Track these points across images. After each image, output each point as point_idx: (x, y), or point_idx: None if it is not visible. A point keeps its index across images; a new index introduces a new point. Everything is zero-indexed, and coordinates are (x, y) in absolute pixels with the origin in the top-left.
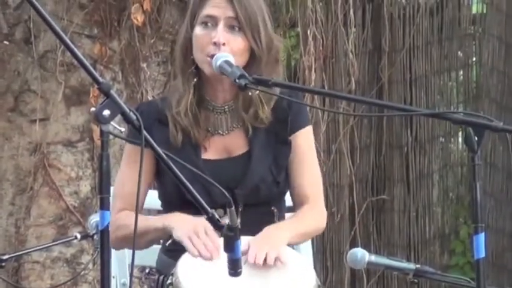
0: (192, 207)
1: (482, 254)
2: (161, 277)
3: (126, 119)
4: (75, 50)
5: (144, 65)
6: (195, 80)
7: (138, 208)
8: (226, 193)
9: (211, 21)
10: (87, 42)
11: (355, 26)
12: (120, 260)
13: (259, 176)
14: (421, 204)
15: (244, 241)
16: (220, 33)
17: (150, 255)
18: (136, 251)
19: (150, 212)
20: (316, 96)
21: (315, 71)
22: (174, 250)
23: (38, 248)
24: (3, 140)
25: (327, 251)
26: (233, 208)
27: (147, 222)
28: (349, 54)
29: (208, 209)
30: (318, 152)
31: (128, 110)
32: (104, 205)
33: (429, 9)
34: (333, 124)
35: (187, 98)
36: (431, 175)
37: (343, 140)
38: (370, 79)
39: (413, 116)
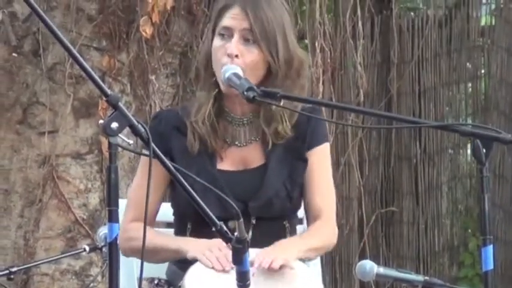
0: (204, 218)
1: (491, 266)
2: None
3: (134, 131)
4: (83, 62)
5: (153, 77)
6: (216, 90)
7: (152, 218)
8: (234, 205)
9: (227, 33)
10: (95, 55)
11: (363, 38)
12: (128, 272)
13: (273, 190)
14: (430, 216)
15: (254, 253)
16: (234, 44)
17: (159, 266)
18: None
19: (159, 224)
20: (323, 109)
21: (323, 83)
22: (184, 261)
23: (46, 260)
24: (12, 152)
25: (336, 263)
26: (241, 220)
27: (162, 241)
28: (358, 66)
29: (217, 221)
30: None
31: (136, 123)
32: (113, 217)
33: (438, 21)
34: (341, 136)
35: (206, 107)
36: (440, 187)
37: (352, 152)
38: (378, 91)
39: (422, 128)
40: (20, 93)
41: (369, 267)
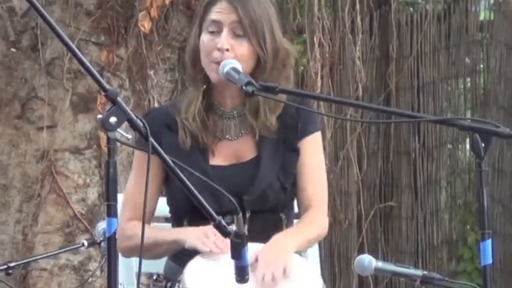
0: (200, 213)
1: (489, 261)
2: (168, 284)
3: (133, 126)
4: (82, 57)
5: (151, 72)
6: (204, 86)
7: (149, 216)
8: (234, 200)
9: (216, 27)
10: (94, 49)
11: (362, 33)
12: (127, 267)
13: (266, 182)
14: (429, 211)
15: (252, 251)
16: (224, 38)
17: (157, 262)
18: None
19: (158, 219)
20: (322, 103)
21: (321, 77)
22: (182, 257)
23: (45, 255)
24: (11, 147)
25: (334, 258)
26: (240, 215)
27: (158, 234)
28: (357, 61)
29: (215, 215)
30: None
31: (134, 117)
32: (111, 212)
33: (437, 15)
34: (340, 131)
35: (196, 103)
36: (439, 181)
37: (351, 147)
38: (377, 86)
39: (420, 122)
40: (19, 88)
41: (367, 261)
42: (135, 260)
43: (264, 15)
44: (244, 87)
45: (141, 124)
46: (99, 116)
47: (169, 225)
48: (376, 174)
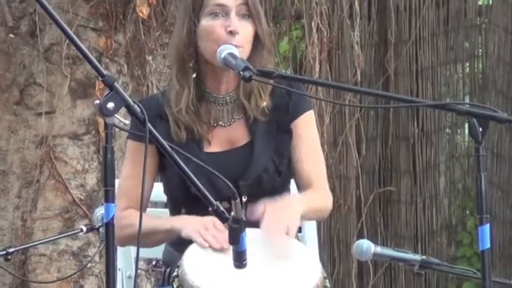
0: (198, 201)
1: (488, 245)
2: (168, 269)
3: (130, 111)
4: (79, 43)
5: (150, 58)
6: (195, 74)
7: (145, 203)
8: (231, 185)
9: (221, 11)
10: (92, 35)
11: (360, 18)
12: (125, 253)
13: (262, 166)
14: (428, 196)
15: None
16: (235, 21)
17: (156, 248)
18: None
19: (157, 204)
20: (320, 88)
21: (320, 62)
22: (181, 242)
23: (44, 240)
24: (9, 133)
25: (334, 243)
26: (238, 200)
27: (155, 223)
28: (355, 46)
29: (213, 201)
30: (322, 144)
31: (132, 103)
32: (109, 198)
33: (435, 0)
34: (339, 116)
35: (188, 93)
36: (438, 166)
37: (350, 132)
38: (376, 71)
39: (419, 107)
40: (17, 74)
41: (366, 246)
42: (133, 246)
43: None
44: (241, 73)
45: (139, 110)
46: (97, 101)
47: (167, 210)
48: (375, 159)
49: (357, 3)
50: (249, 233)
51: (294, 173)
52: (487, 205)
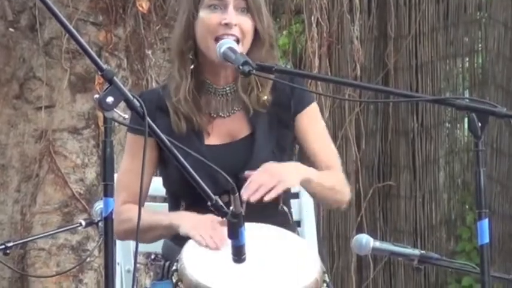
0: (197, 195)
1: (486, 240)
2: (167, 263)
3: (130, 105)
4: (79, 37)
5: (150, 52)
6: (193, 65)
7: (142, 199)
8: (230, 180)
9: (220, 4)
10: (92, 30)
11: (360, 12)
12: (124, 247)
13: (262, 159)
14: (427, 190)
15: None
16: (232, 14)
17: (155, 242)
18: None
19: (156, 199)
20: (320, 83)
21: (319, 57)
22: (180, 236)
23: (43, 235)
24: (9, 127)
25: (333, 237)
26: (237, 195)
27: (153, 218)
28: (355, 41)
29: (212, 195)
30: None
31: (131, 97)
32: (108, 192)
33: None
34: (338, 110)
35: (186, 84)
36: (438, 161)
37: (349, 126)
38: (375, 65)
39: (419, 102)
40: (17, 68)
41: (365, 241)
42: (132, 240)
43: None
44: (241, 67)
45: (138, 104)
46: (96, 95)
47: (166, 204)
48: (375, 153)
49: None
50: (248, 228)
51: (308, 160)
52: (486, 200)
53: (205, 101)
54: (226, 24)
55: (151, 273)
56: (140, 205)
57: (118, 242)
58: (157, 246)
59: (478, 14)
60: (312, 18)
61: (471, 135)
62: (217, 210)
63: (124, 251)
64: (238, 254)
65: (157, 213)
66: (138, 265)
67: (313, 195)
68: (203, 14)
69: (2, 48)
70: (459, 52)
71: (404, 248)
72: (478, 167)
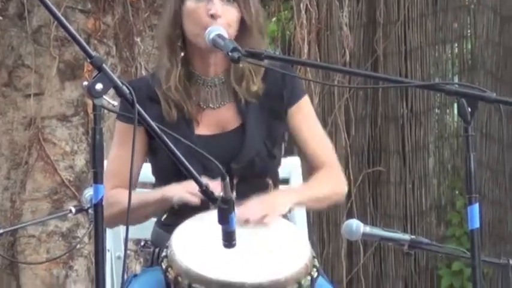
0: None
1: (477, 225)
2: (156, 250)
3: (119, 92)
4: (67, 24)
5: (138, 39)
6: (182, 54)
7: (132, 186)
8: (220, 166)
9: None
10: (81, 17)
11: None
12: (114, 233)
13: (254, 149)
14: (417, 176)
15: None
16: (218, 4)
17: (145, 229)
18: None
19: (145, 185)
20: (309, 69)
21: (308, 43)
22: (169, 223)
23: (33, 222)
24: None
25: (323, 223)
26: (227, 180)
27: (143, 196)
28: (344, 27)
29: (202, 181)
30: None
31: (120, 84)
32: (98, 179)
33: None
34: (328, 97)
35: (176, 72)
36: (427, 146)
37: (339, 113)
38: (365, 51)
39: (408, 87)
40: (5, 56)
41: (355, 226)
42: (122, 227)
43: None
44: (230, 53)
45: (127, 91)
46: (85, 83)
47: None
48: (364, 139)
49: None
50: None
51: (304, 156)
52: (476, 185)
53: (195, 91)
54: (212, 16)
55: (141, 260)
56: (130, 190)
57: (108, 229)
58: (146, 233)
59: None
60: (301, 4)
61: (461, 120)
62: (207, 196)
63: (114, 238)
64: (229, 240)
65: (146, 192)
66: (128, 252)
67: (309, 210)
68: (189, 3)
69: None
70: (448, 38)
71: (395, 233)
72: (468, 152)
